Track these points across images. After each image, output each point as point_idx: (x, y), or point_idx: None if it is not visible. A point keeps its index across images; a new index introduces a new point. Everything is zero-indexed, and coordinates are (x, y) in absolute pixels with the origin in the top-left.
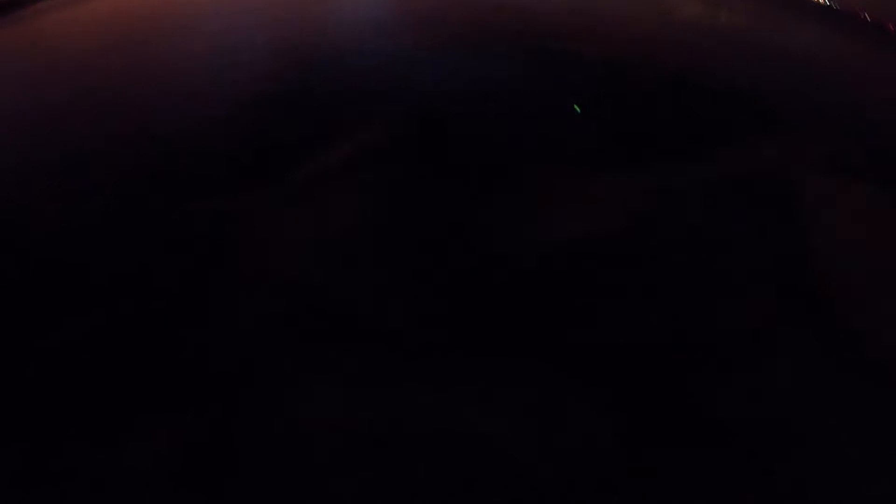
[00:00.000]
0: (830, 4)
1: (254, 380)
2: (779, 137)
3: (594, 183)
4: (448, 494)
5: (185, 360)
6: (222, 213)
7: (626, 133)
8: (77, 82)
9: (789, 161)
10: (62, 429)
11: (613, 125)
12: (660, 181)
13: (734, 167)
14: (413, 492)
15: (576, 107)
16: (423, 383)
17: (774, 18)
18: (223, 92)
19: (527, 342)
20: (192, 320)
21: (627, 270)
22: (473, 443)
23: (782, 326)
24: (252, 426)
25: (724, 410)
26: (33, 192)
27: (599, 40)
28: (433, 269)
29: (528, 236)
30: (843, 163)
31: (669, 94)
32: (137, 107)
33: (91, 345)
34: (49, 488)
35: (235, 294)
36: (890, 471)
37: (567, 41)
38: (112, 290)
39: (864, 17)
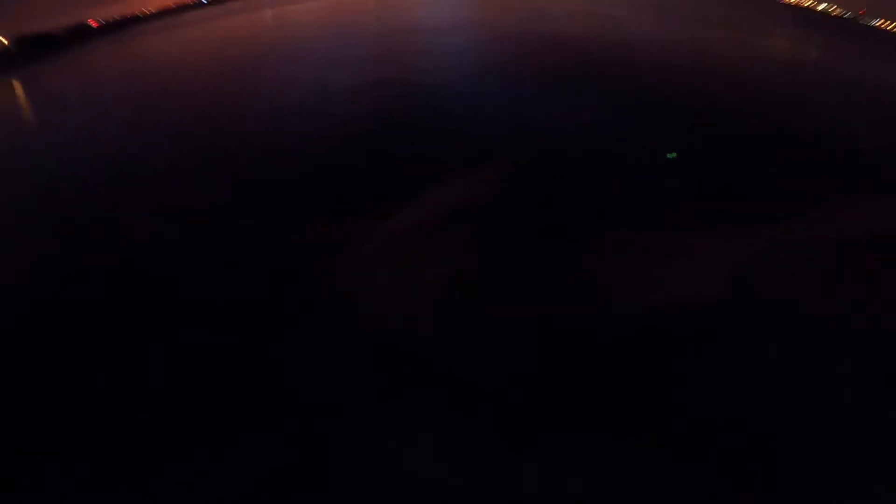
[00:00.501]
0: None
1: (342, 417)
2: (882, 196)
3: (692, 242)
4: None
5: (277, 387)
6: (322, 245)
7: (724, 185)
8: (178, 102)
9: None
10: (156, 441)
11: (711, 176)
12: (760, 244)
13: (837, 230)
14: None
15: (670, 154)
16: (501, 446)
17: (864, 58)
18: (324, 125)
19: (612, 409)
20: (287, 348)
21: (723, 341)
22: None
23: (884, 411)
24: (336, 464)
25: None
26: (139, 205)
27: (694, 81)
28: (524, 329)
29: (622, 298)
30: None
31: (765, 140)
32: (241, 131)
33: (189, 360)
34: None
35: (329, 329)
36: None
37: (661, 80)
38: (210, 310)
39: None
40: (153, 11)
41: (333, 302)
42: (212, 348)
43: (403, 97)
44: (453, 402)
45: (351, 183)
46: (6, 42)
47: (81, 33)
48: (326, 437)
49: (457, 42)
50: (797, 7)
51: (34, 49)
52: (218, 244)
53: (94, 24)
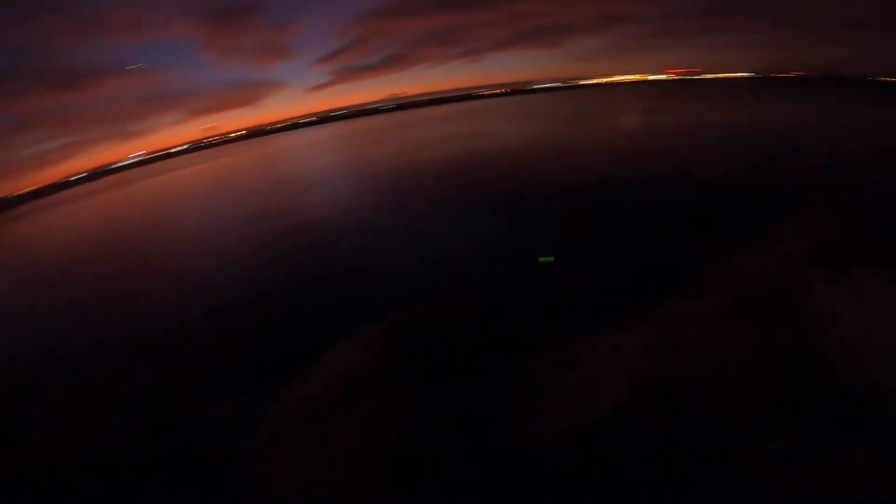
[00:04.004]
0: None
1: None
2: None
3: (588, 347)
4: None
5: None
6: (221, 421)
7: (607, 277)
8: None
9: None
10: None
11: (593, 270)
12: (655, 331)
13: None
14: None
15: (546, 259)
16: None
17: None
18: (213, 281)
19: None
20: None
21: (640, 444)
22: None
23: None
24: None
25: None
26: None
27: (560, 177)
28: (435, 467)
29: (532, 421)
30: None
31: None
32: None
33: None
34: None
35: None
36: None
37: (539, 185)
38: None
39: None
40: (25, 192)
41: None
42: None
43: (289, 246)
44: None
45: (240, 349)
46: None
47: None
48: None
49: (339, 185)
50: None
51: None
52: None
53: None
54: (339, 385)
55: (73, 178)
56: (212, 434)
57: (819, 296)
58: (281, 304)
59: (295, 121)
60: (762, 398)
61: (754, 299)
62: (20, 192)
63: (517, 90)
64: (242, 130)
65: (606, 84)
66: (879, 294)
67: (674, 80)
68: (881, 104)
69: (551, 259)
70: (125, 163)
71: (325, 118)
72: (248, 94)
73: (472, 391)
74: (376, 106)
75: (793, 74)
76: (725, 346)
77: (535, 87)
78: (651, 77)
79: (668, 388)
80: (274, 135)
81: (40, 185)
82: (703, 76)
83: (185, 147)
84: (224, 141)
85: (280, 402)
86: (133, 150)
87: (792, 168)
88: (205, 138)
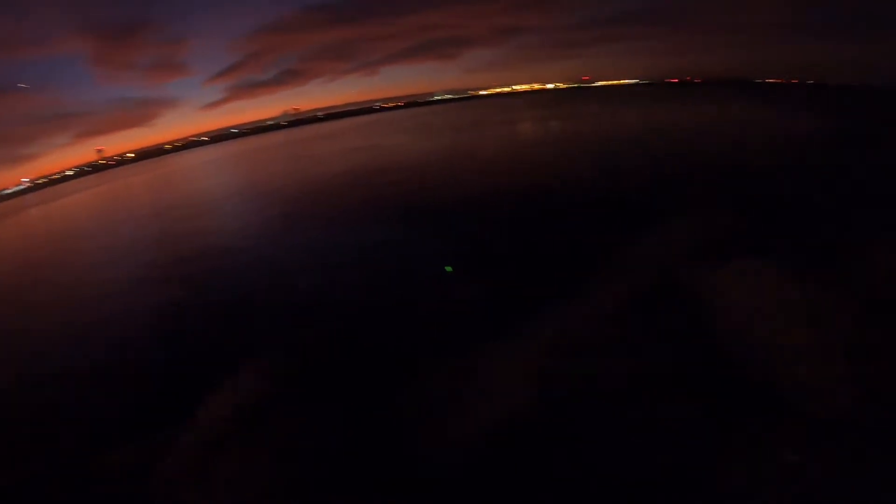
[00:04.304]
0: None
1: None
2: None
3: (490, 352)
4: None
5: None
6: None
7: (506, 285)
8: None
9: None
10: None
11: (491, 278)
12: (550, 331)
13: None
14: None
15: (447, 268)
16: None
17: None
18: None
19: None
20: None
21: (547, 444)
22: None
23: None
24: None
25: None
26: None
27: (466, 187)
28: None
29: (446, 428)
30: None
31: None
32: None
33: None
34: None
35: None
36: None
37: (434, 195)
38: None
39: None
40: None
41: None
42: None
43: (184, 273)
44: None
45: (136, 382)
46: None
47: None
48: None
49: (236, 206)
50: (528, 92)
51: None
52: None
53: None
54: (233, 418)
55: None
56: (103, 484)
57: (714, 287)
58: (177, 335)
59: (191, 139)
60: (675, 395)
61: (654, 295)
62: None
63: (414, 102)
64: (132, 154)
65: (503, 94)
66: (772, 283)
67: (566, 88)
68: (761, 105)
69: (450, 269)
70: (15, 189)
71: (221, 136)
72: (141, 112)
73: (381, 406)
74: (273, 122)
75: (677, 79)
76: (629, 343)
77: (432, 99)
78: (546, 86)
79: (574, 389)
80: (170, 154)
81: None
82: (594, 84)
83: (78, 170)
84: (120, 162)
85: (167, 446)
86: (22, 176)
87: (670, 167)
88: (99, 160)
